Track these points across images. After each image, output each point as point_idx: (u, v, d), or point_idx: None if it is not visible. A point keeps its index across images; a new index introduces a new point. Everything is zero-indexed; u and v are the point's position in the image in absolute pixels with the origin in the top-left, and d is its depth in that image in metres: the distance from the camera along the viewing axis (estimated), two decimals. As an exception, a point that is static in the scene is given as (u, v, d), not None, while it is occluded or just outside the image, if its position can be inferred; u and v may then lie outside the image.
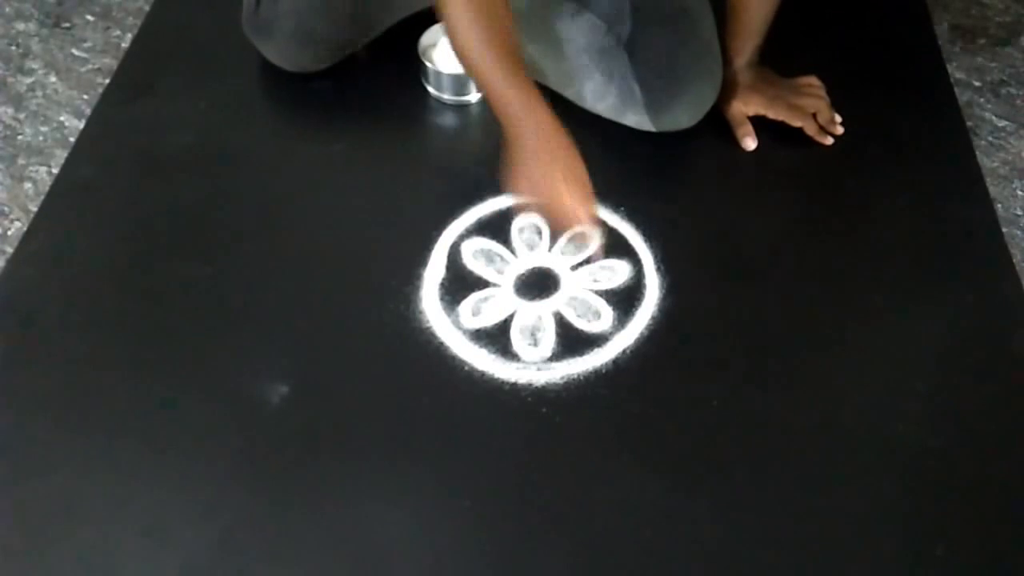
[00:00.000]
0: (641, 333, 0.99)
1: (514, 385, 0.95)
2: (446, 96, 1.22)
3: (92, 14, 1.39)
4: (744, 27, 1.13)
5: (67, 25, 1.38)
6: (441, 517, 0.87)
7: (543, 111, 0.98)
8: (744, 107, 1.15)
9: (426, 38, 1.23)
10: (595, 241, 1.02)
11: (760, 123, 1.16)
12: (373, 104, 1.21)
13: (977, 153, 1.18)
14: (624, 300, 1.02)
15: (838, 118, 1.17)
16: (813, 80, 1.19)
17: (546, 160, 0.97)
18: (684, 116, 1.12)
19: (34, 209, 1.12)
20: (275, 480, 0.89)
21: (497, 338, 0.99)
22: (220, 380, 0.96)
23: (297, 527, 0.86)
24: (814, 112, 1.15)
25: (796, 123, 1.14)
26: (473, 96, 1.21)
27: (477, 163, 1.06)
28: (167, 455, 0.91)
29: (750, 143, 1.15)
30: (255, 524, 0.86)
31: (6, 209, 1.13)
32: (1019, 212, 1.13)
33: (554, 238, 1.06)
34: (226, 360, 0.98)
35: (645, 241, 1.07)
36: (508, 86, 0.97)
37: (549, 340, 0.99)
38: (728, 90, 1.15)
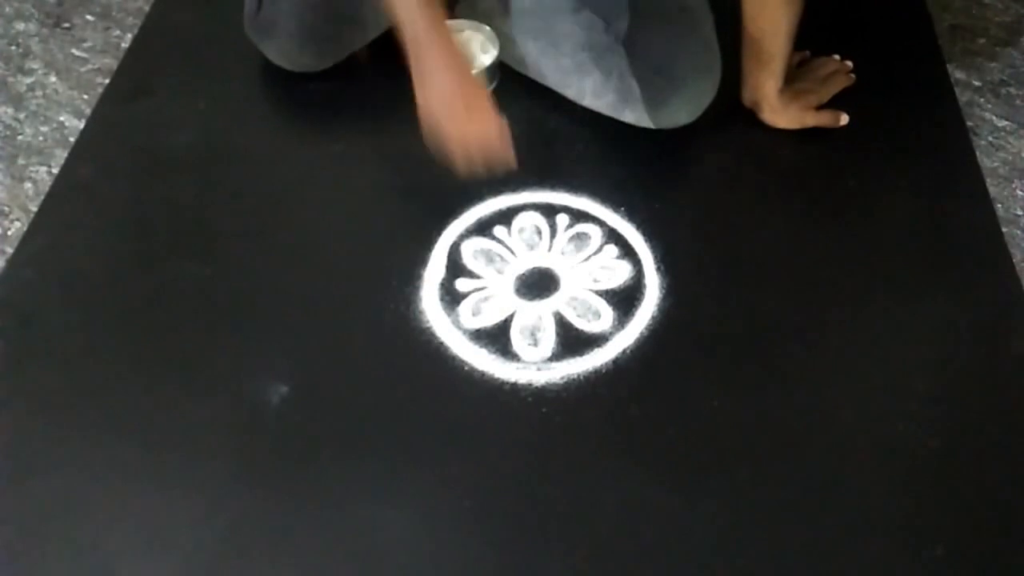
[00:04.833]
0: (641, 333, 0.99)
1: (514, 385, 0.95)
2: (446, 96, 1.21)
3: (92, 14, 1.39)
4: (764, 50, 1.09)
5: (67, 25, 1.37)
6: (441, 517, 0.87)
7: (447, 37, 1.02)
8: (790, 123, 1.15)
9: (426, 38, 1.23)
10: (510, 158, 1.02)
11: (758, 121, 1.16)
12: (373, 104, 1.21)
13: (977, 153, 1.18)
14: (624, 300, 1.02)
15: (849, 64, 1.21)
16: (829, 62, 1.20)
17: (448, 80, 1.01)
18: (682, 113, 1.12)
19: (34, 209, 1.12)
20: (275, 480, 0.89)
21: (497, 338, 0.99)
22: (220, 380, 0.96)
23: (297, 527, 0.86)
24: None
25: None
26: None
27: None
28: (167, 455, 0.91)
29: (843, 118, 1.16)
30: (255, 524, 0.87)
31: (6, 209, 1.13)
32: (1019, 212, 1.13)
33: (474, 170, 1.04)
34: (226, 360, 0.98)
35: (645, 241, 1.07)
36: (417, 9, 1.00)
37: (549, 340, 0.99)
38: (770, 115, 1.15)
